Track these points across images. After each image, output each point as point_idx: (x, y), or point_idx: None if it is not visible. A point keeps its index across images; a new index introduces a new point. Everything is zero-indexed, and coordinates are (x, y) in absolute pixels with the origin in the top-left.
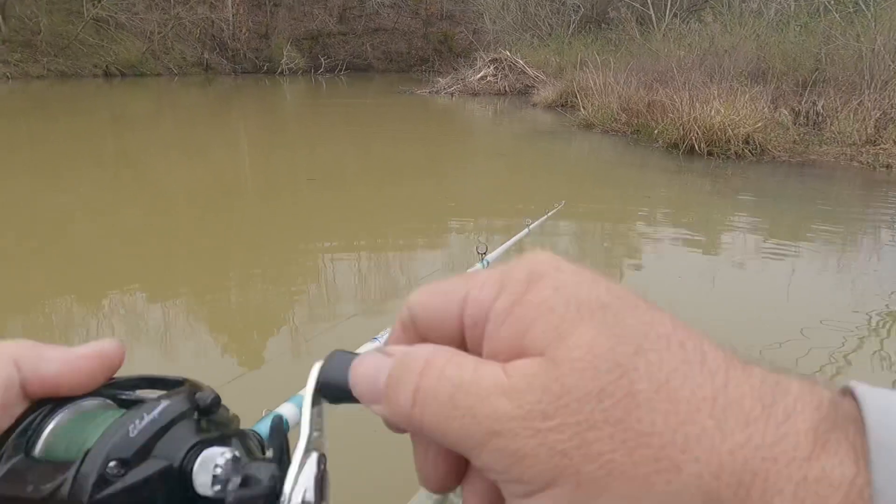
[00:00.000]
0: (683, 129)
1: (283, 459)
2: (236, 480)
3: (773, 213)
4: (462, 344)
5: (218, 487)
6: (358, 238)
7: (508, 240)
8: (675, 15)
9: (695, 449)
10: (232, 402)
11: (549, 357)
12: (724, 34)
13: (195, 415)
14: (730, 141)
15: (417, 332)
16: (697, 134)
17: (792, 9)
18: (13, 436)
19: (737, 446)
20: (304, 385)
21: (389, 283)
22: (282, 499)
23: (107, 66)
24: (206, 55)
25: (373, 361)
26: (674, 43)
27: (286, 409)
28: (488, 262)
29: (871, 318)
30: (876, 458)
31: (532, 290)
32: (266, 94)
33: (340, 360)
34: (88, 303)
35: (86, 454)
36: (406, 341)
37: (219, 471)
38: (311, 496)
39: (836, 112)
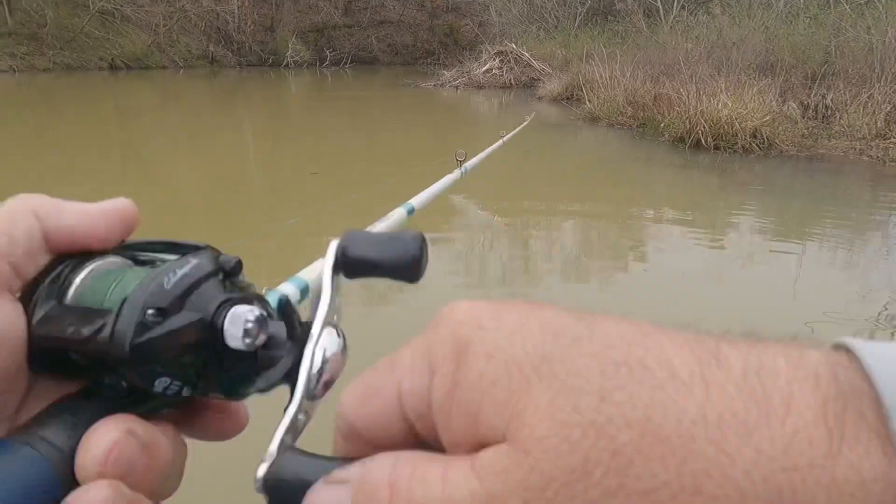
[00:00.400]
0: (690, 123)
1: (296, 329)
2: (263, 338)
3: (781, 209)
4: (415, 437)
5: (248, 341)
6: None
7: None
8: (683, 7)
9: (707, 485)
10: None
11: (514, 444)
12: (732, 26)
13: (221, 275)
14: (737, 135)
15: (363, 440)
16: (704, 127)
17: (801, 1)
18: (45, 283)
19: (750, 465)
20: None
21: None
22: (303, 361)
23: (112, 58)
24: (211, 48)
25: (328, 497)
26: (681, 35)
27: (287, 288)
28: (466, 170)
29: (879, 312)
30: None
31: (464, 366)
32: (271, 87)
33: (356, 237)
34: None
35: (123, 302)
36: (354, 452)
37: (249, 325)
38: (331, 360)
39: (846, 105)
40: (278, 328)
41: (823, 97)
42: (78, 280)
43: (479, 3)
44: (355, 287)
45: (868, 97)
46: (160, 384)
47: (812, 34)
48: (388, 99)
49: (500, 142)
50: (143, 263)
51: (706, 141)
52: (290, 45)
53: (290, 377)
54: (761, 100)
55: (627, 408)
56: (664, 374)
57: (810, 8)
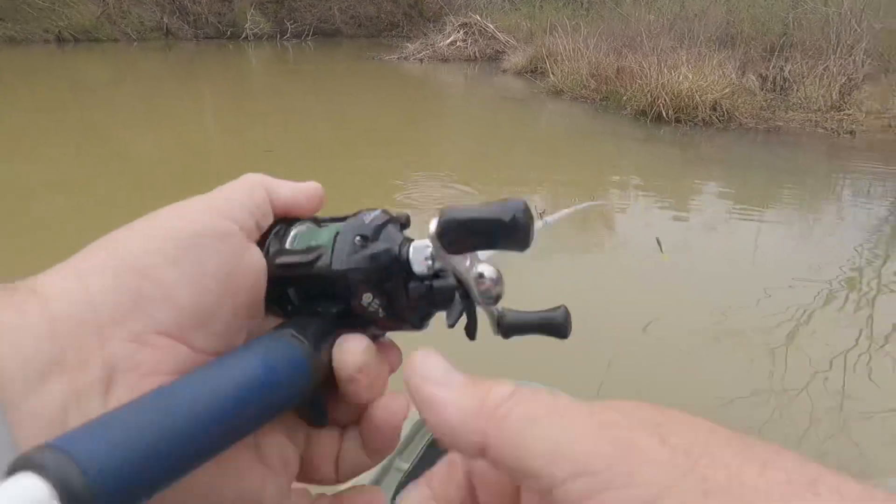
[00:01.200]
0: (651, 96)
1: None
2: (437, 265)
3: (741, 181)
4: None
5: (428, 264)
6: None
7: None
8: None
9: None
10: None
11: None
12: None
13: (398, 225)
14: (697, 107)
15: None
16: (665, 100)
17: None
18: (272, 234)
19: None
20: None
21: None
22: (468, 288)
23: (59, 30)
24: (165, 19)
25: None
26: (644, 7)
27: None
28: (549, 223)
29: (835, 276)
30: None
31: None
32: (230, 60)
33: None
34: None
35: (336, 235)
36: None
37: (428, 251)
38: (490, 279)
39: (803, 78)
40: (447, 262)
41: (781, 69)
42: (292, 233)
43: None
44: None
45: (824, 69)
46: (366, 299)
47: (771, 6)
48: (351, 73)
49: (573, 209)
50: (323, 226)
51: (667, 114)
52: (248, 17)
53: (464, 299)
54: (721, 72)
55: None
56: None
57: None
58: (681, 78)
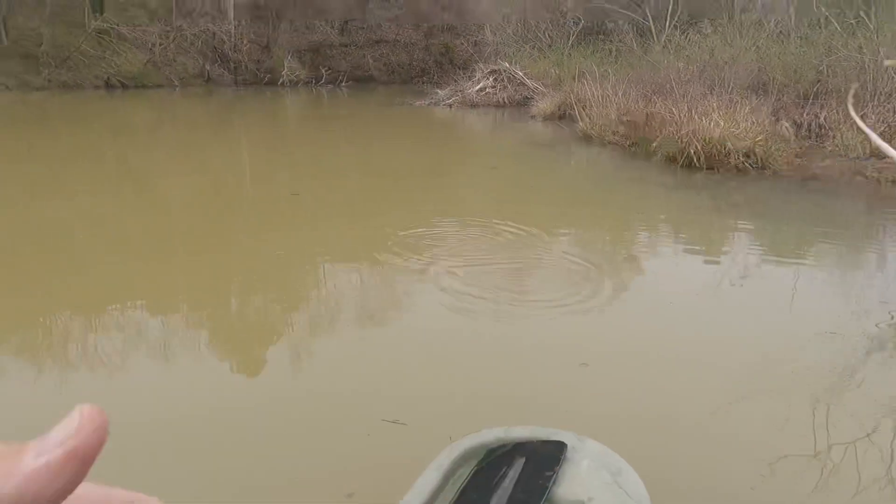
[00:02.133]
0: (682, 142)
1: None
2: None
3: (775, 230)
4: None
5: None
6: (340, 250)
7: None
8: (675, 26)
9: None
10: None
11: None
12: (723, 46)
13: None
14: (729, 154)
15: None
16: (696, 147)
17: (792, 21)
18: None
19: None
20: None
21: (386, 293)
22: None
23: (108, 77)
24: (207, 66)
25: None
26: (673, 54)
27: None
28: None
29: (873, 332)
30: None
31: None
32: (267, 105)
33: None
34: (88, 315)
35: None
36: None
37: None
38: None
39: (839, 125)
40: None
41: (816, 116)
42: None
43: (473, 24)
44: (349, 305)
45: (861, 116)
46: None
47: (803, 54)
48: (381, 119)
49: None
50: None
51: (699, 160)
52: (285, 64)
53: None
54: (754, 119)
55: None
56: None
57: (801, 28)
58: (712, 124)
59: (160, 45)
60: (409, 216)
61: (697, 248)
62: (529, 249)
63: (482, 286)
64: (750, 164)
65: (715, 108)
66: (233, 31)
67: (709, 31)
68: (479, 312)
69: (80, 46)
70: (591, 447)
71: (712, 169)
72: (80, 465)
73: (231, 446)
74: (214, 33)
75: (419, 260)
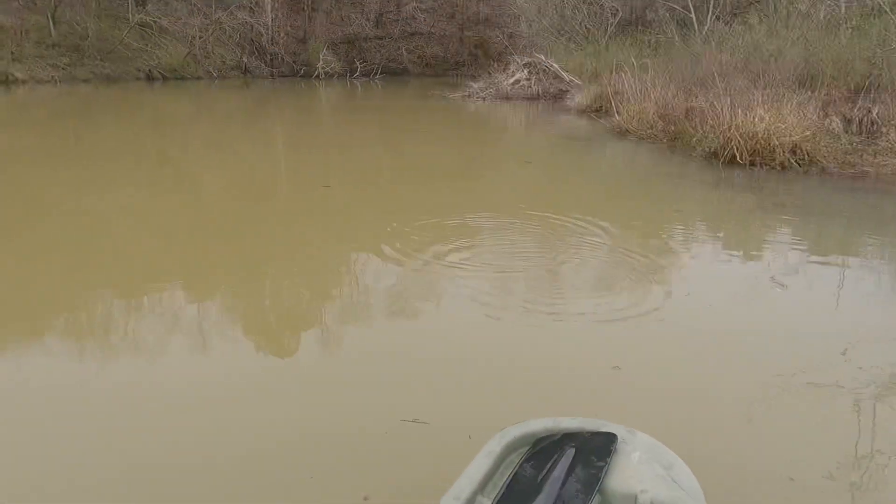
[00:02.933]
0: (724, 138)
1: None
2: None
3: (820, 229)
4: None
5: None
6: (374, 238)
7: None
8: (718, 17)
9: None
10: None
11: None
12: (769, 37)
13: None
14: (774, 150)
15: None
16: (739, 143)
17: (843, 11)
18: None
19: None
20: None
21: (421, 283)
22: None
23: (150, 69)
24: (244, 59)
25: None
26: (716, 46)
27: None
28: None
29: None
30: None
31: None
32: (302, 97)
33: None
34: (128, 298)
35: None
36: None
37: None
38: None
39: (893, 120)
40: None
41: (869, 111)
42: None
43: (509, 15)
44: (380, 299)
45: None
46: None
47: (855, 45)
48: (414, 111)
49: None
50: None
51: (741, 157)
52: (321, 57)
53: None
54: (801, 114)
55: None
56: None
57: (853, 18)
58: (756, 119)
59: (200, 37)
60: (439, 208)
61: (739, 247)
62: (563, 246)
63: (508, 292)
64: (796, 161)
65: (759, 101)
66: (270, 23)
67: (754, 21)
68: (505, 319)
69: (123, 39)
70: (642, 440)
71: (755, 166)
72: None
73: (249, 434)
74: (252, 26)
75: (448, 251)
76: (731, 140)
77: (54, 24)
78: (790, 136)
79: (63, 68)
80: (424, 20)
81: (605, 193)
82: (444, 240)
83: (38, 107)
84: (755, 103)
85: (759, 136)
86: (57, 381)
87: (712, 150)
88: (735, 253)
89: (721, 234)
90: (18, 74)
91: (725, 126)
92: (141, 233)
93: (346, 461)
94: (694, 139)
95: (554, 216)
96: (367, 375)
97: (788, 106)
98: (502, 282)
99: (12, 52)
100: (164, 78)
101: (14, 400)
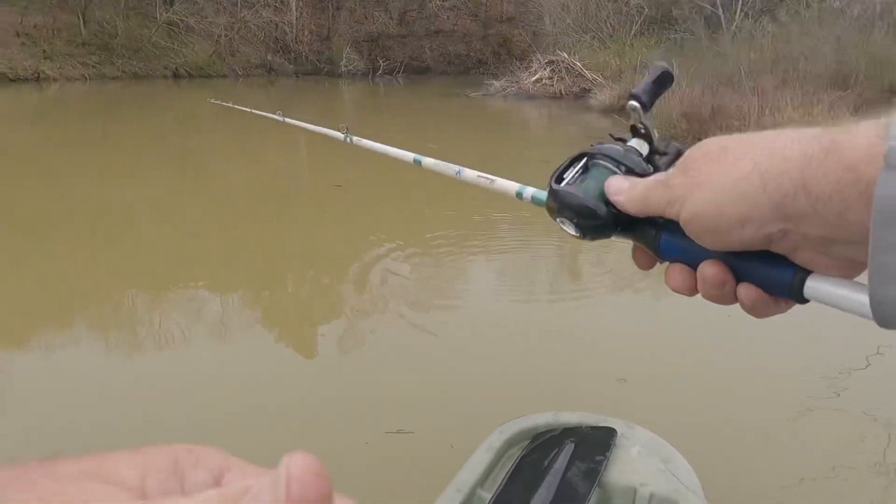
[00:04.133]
0: None
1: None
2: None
3: None
4: None
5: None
6: (389, 236)
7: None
8: (747, 15)
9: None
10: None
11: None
12: (800, 35)
13: None
14: None
15: None
16: None
17: (878, 7)
18: None
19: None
20: None
21: (438, 281)
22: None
23: (176, 67)
24: (269, 57)
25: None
26: (744, 44)
27: None
28: (351, 140)
29: None
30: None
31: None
32: (325, 95)
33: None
34: (152, 295)
35: None
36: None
37: None
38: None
39: None
40: None
41: None
42: None
43: (532, 13)
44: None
45: None
46: None
47: (891, 43)
48: (436, 109)
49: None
50: None
51: None
52: (344, 55)
53: None
54: (833, 115)
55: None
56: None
57: (889, 15)
58: (785, 120)
59: (225, 36)
60: (446, 209)
61: None
62: (567, 250)
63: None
64: None
65: (788, 102)
66: (295, 21)
67: (784, 19)
68: (534, 303)
69: (151, 38)
70: (641, 434)
71: None
72: None
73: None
74: (277, 24)
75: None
76: None
77: (85, 23)
78: None
79: (93, 66)
80: (448, 18)
81: None
82: (448, 241)
83: (69, 104)
84: (784, 104)
85: None
86: (85, 370)
87: None
88: None
89: None
90: (50, 72)
91: (752, 128)
92: (164, 225)
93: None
94: None
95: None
96: (390, 367)
97: (819, 106)
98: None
99: (44, 51)
100: (190, 76)
101: (43, 390)
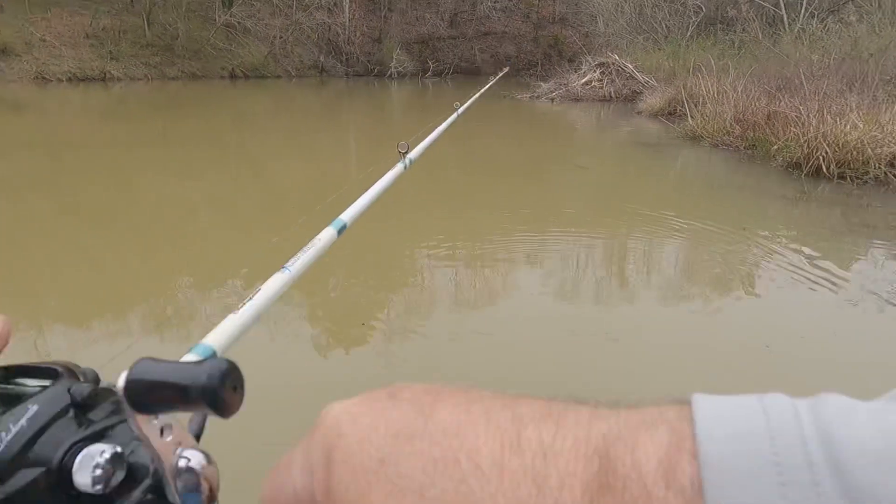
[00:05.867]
0: (809, 147)
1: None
2: (120, 475)
3: None
4: None
5: (100, 486)
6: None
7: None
8: (812, 14)
9: None
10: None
11: None
12: (870, 35)
13: (71, 412)
14: (868, 162)
15: None
16: (826, 152)
17: None
18: None
19: None
20: None
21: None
22: (168, 487)
23: (233, 68)
24: (321, 58)
25: None
26: (807, 46)
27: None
28: (411, 161)
29: None
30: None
31: (333, 475)
32: (374, 96)
33: (144, 368)
34: (205, 286)
35: None
36: None
37: (98, 471)
38: (201, 474)
39: None
40: (141, 457)
41: None
42: None
43: (586, 14)
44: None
45: None
46: None
47: None
48: (482, 112)
49: (455, 115)
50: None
51: (828, 168)
52: (394, 56)
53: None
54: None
55: (438, 503)
56: (470, 466)
57: None
58: (848, 127)
59: (280, 37)
60: (479, 218)
61: (821, 277)
62: (592, 272)
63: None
64: (894, 176)
65: (853, 107)
66: (347, 23)
67: (852, 18)
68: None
69: (210, 40)
70: None
71: (844, 179)
72: None
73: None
74: (330, 26)
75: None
76: (818, 149)
77: (149, 25)
78: (889, 146)
79: (154, 67)
80: (499, 19)
81: (665, 207)
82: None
83: (132, 102)
84: (848, 108)
85: (852, 145)
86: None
87: (794, 159)
88: (817, 282)
89: (800, 261)
90: (115, 72)
91: (811, 134)
92: (220, 220)
93: None
94: (774, 147)
95: (593, 235)
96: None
97: (888, 113)
98: (573, 280)
99: (110, 52)
100: (246, 76)
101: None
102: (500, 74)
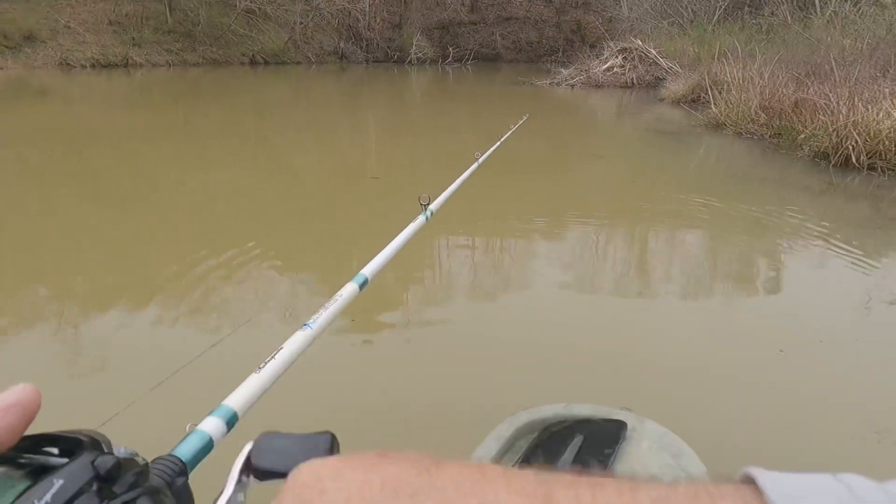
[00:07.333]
0: (838, 136)
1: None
2: None
3: None
4: None
5: None
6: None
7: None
8: None
9: None
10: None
11: None
12: None
13: (95, 485)
14: None
15: None
16: (856, 141)
17: None
18: None
19: None
20: None
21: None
22: None
23: (253, 54)
24: (341, 44)
25: None
26: (839, 30)
27: (210, 425)
28: (432, 213)
29: None
30: None
31: None
32: (394, 83)
33: (270, 442)
34: (223, 271)
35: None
36: None
37: None
38: None
39: None
40: None
41: None
42: None
43: None
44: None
45: None
46: None
47: None
48: (501, 98)
49: (475, 164)
50: (23, 467)
51: (858, 159)
52: (414, 42)
53: None
54: None
55: None
56: None
57: None
58: (881, 115)
59: (300, 23)
60: (511, 208)
61: (847, 276)
62: (593, 269)
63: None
64: None
65: (887, 94)
66: (367, 9)
67: (888, 1)
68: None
69: (230, 26)
70: (651, 428)
71: (875, 170)
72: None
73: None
74: (350, 12)
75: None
76: (847, 138)
77: (171, 11)
78: None
79: (176, 53)
80: (521, 4)
81: (683, 200)
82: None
83: (154, 88)
84: (881, 96)
85: (884, 134)
86: (151, 341)
87: (822, 149)
88: (843, 281)
89: (826, 258)
90: (137, 58)
91: (841, 122)
92: (240, 208)
93: None
94: (801, 136)
95: (596, 224)
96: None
97: None
98: (591, 268)
99: (133, 38)
100: (266, 63)
101: (121, 357)
102: (521, 122)
